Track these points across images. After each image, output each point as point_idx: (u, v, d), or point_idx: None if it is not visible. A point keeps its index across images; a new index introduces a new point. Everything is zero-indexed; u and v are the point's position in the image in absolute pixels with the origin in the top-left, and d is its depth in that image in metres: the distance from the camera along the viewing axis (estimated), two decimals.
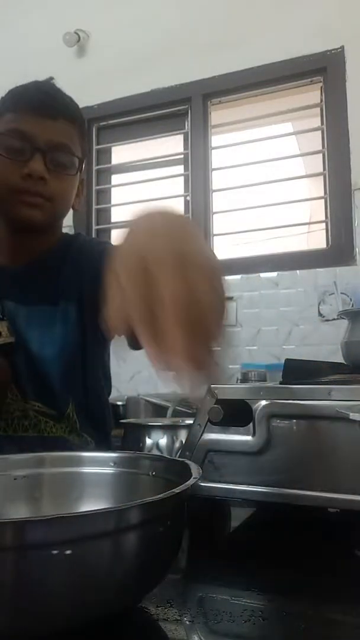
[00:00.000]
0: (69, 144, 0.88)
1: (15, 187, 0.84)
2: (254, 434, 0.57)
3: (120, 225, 2.80)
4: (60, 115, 0.87)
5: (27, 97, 0.87)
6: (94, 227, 2.67)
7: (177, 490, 0.38)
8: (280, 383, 0.60)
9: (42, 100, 0.86)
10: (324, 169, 2.28)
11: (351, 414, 0.48)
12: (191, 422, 0.63)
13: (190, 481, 0.40)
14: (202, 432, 0.60)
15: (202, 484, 0.56)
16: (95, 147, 2.70)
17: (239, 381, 2.01)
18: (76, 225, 2.46)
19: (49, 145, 0.85)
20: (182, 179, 2.56)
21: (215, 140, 2.52)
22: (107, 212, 2.73)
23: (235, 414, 0.58)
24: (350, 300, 2.06)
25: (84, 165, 0.94)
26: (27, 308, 0.89)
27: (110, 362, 1.04)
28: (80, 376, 0.92)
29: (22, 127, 0.84)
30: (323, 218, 2.29)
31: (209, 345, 0.39)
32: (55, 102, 0.88)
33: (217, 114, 2.53)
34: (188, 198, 2.51)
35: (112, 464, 0.54)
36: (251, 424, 0.57)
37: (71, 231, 1.03)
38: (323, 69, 2.28)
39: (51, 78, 0.96)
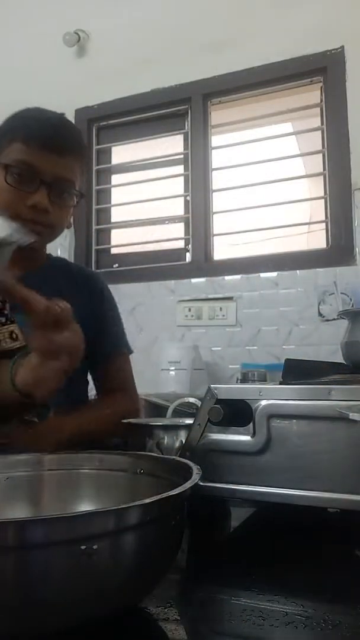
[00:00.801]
0: (73, 179, 0.94)
1: (19, 214, 0.89)
2: (254, 434, 0.57)
3: (120, 225, 2.81)
4: (68, 152, 0.92)
5: (38, 130, 0.91)
6: (94, 227, 2.68)
7: (177, 490, 0.38)
8: (280, 383, 0.60)
9: (52, 137, 0.91)
10: (324, 169, 2.28)
11: (351, 414, 0.48)
12: (191, 422, 0.63)
13: (189, 483, 0.40)
14: (202, 432, 0.60)
15: (202, 484, 0.56)
16: (95, 147, 2.70)
17: (239, 381, 2.01)
18: (76, 225, 2.46)
19: (54, 179, 0.90)
20: (182, 179, 2.56)
21: (215, 140, 2.52)
22: (107, 212, 2.73)
23: (235, 414, 0.58)
24: (350, 300, 2.06)
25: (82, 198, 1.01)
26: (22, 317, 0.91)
27: None
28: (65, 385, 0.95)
29: (31, 160, 0.89)
30: (323, 218, 2.29)
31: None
32: (65, 139, 0.93)
33: (217, 114, 2.53)
34: (188, 198, 2.51)
35: (111, 464, 0.54)
36: (251, 424, 0.57)
37: (71, 231, 1.07)
38: (323, 69, 2.28)
39: (62, 114, 1.01)
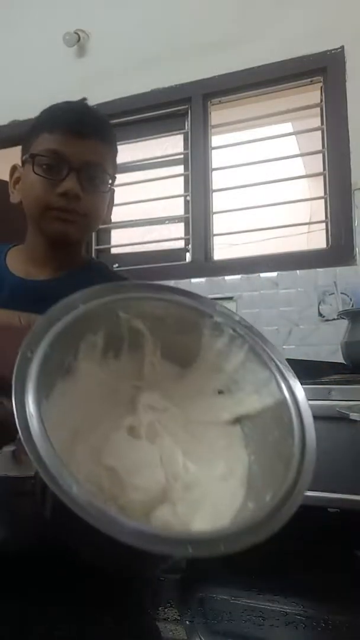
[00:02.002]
0: (102, 162, 0.92)
1: (51, 204, 0.88)
2: None
3: (120, 225, 2.81)
4: (93, 135, 0.90)
5: (62, 118, 0.90)
6: None
7: None
8: None
9: (76, 121, 0.90)
10: (324, 169, 2.28)
11: (351, 414, 0.48)
12: None
13: None
14: None
15: None
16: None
17: None
18: None
19: (82, 164, 0.88)
20: (182, 179, 2.56)
21: (215, 140, 2.52)
22: None
23: None
24: (350, 300, 2.06)
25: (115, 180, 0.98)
26: None
27: None
28: None
29: (57, 147, 0.88)
30: (323, 218, 2.29)
31: None
32: (89, 122, 0.92)
33: (217, 114, 2.53)
34: (188, 198, 2.51)
35: None
36: None
37: None
38: (323, 69, 2.28)
39: (84, 99, 1.00)
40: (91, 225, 0.96)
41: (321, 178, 2.31)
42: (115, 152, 0.97)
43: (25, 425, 0.40)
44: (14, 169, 0.97)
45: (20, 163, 0.96)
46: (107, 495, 0.47)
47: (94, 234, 2.67)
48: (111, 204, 1.02)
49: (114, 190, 1.00)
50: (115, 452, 0.50)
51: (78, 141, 0.89)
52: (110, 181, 0.94)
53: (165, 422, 0.54)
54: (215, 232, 2.47)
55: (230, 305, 2.33)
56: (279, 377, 0.51)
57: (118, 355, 0.55)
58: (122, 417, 0.54)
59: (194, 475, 0.50)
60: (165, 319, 0.56)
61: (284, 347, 2.20)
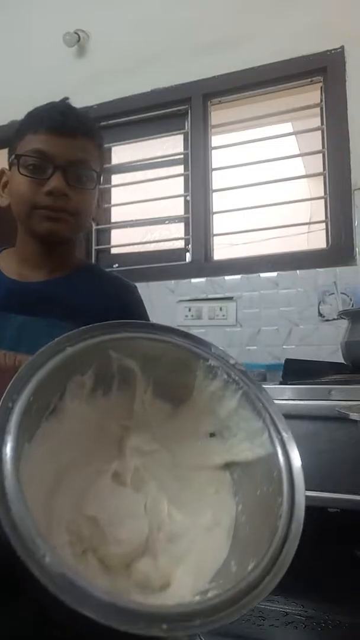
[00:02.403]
0: (88, 159, 0.92)
1: (38, 204, 0.89)
2: None
3: (120, 225, 2.82)
4: (77, 132, 0.91)
5: (45, 118, 0.91)
6: (94, 227, 2.67)
7: None
8: (280, 383, 0.60)
9: (59, 120, 0.90)
10: (324, 169, 2.28)
11: (351, 414, 0.48)
12: None
13: None
14: None
15: None
16: (98, 146, 2.70)
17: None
18: None
19: (68, 162, 0.89)
20: (182, 179, 2.56)
21: (215, 140, 2.52)
22: (107, 212, 2.73)
23: None
24: (350, 300, 2.06)
25: (101, 177, 0.99)
26: (37, 321, 0.90)
27: None
28: None
29: (42, 147, 0.88)
30: (323, 218, 2.28)
31: None
32: (71, 120, 0.92)
33: (217, 114, 2.53)
34: (188, 198, 2.51)
35: None
36: None
37: None
38: (323, 69, 2.27)
39: (66, 98, 1.01)
40: (80, 223, 0.95)
41: (321, 178, 2.31)
42: (100, 149, 0.98)
43: (1, 487, 0.38)
44: (1, 172, 0.98)
45: (7, 166, 0.96)
46: (87, 545, 0.46)
47: (94, 234, 2.67)
48: (101, 202, 1.02)
49: (102, 189, 1.02)
50: (97, 500, 0.48)
51: (62, 140, 0.89)
52: (97, 178, 0.94)
53: (152, 467, 0.52)
54: (215, 232, 2.47)
55: (230, 305, 2.33)
56: (272, 429, 0.49)
57: (107, 392, 0.54)
58: (109, 461, 0.52)
59: (179, 525, 0.48)
60: (158, 358, 0.54)
61: (284, 347, 2.20)
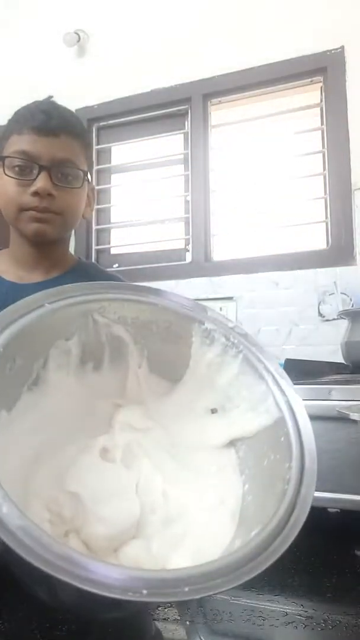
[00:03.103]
0: (73, 159, 0.91)
1: (24, 205, 0.89)
2: None
3: (120, 225, 2.81)
4: (61, 131, 0.90)
5: (29, 118, 0.90)
6: (94, 227, 2.67)
7: None
8: None
9: (43, 120, 0.89)
10: (324, 169, 2.28)
11: (351, 414, 0.48)
12: None
13: None
14: None
15: None
16: (95, 147, 2.70)
17: None
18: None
19: (53, 162, 0.88)
20: (182, 179, 2.56)
21: (215, 140, 2.52)
22: (107, 212, 2.73)
23: None
24: (350, 300, 2.06)
25: (90, 176, 0.97)
26: None
27: None
28: None
29: (26, 148, 0.88)
30: (323, 218, 2.28)
31: None
32: (56, 120, 0.91)
33: (217, 114, 2.53)
34: (188, 198, 2.51)
35: None
36: None
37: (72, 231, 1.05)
38: (323, 69, 2.28)
39: (51, 96, 1.00)
40: (68, 223, 0.95)
41: (321, 178, 2.31)
42: (87, 147, 0.97)
43: None
44: None
45: None
46: (70, 525, 0.40)
47: (94, 234, 2.67)
48: (92, 200, 1.01)
49: (93, 187, 1.00)
50: (81, 477, 0.42)
51: (46, 139, 0.89)
52: (83, 176, 0.94)
53: (146, 444, 0.46)
54: (215, 232, 2.47)
55: (230, 305, 2.33)
56: (276, 391, 0.44)
57: (99, 367, 0.48)
58: (95, 436, 0.46)
59: (175, 507, 0.42)
60: (149, 325, 0.48)
61: (284, 347, 2.20)
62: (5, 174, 0.89)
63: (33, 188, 0.87)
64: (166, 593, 0.31)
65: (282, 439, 0.42)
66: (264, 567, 0.34)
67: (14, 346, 0.41)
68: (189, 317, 0.49)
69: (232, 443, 0.47)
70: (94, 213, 2.66)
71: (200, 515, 0.42)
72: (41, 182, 0.87)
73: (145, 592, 0.30)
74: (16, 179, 0.89)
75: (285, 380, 0.46)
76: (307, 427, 0.43)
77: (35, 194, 0.88)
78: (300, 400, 0.44)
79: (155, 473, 0.45)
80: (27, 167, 0.88)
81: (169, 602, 0.32)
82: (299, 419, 0.43)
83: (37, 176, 0.88)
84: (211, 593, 0.32)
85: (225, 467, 0.46)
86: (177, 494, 0.44)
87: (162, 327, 0.49)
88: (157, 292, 0.51)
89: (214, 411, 0.48)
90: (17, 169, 0.89)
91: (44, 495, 0.39)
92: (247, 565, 0.34)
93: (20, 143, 0.89)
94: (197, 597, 0.32)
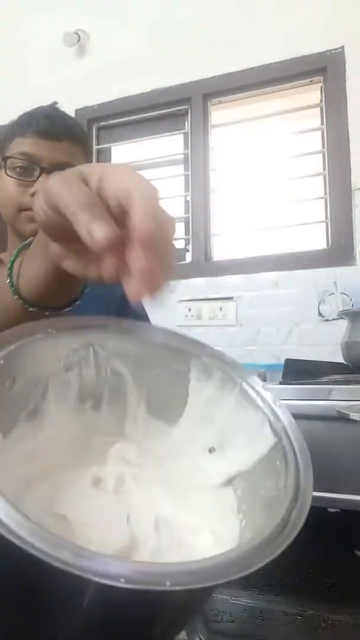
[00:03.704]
0: (73, 163, 0.93)
1: (24, 206, 0.90)
2: None
3: None
4: (64, 136, 0.92)
5: (33, 122, 0.93)
6: None
7: None
8: (280, 383, 0.60)
9: (46, 124, 0.92)
10: (324, 169, 2.28)
11: (351, 414, 0.48)
12: None
13: None
14: None
15: None
16: (95, 147, 2.70)
17: None
18: None
19: (54, 165, 0.90)
20: (182, 179, 2.56)
21: (215, 140, 2.52)
22: None
23: None
24: (350, 300, 2.06)
25: None
26: None
27: None
28: None
29: (28, 150, 0.90)
30: (323, 218, 2.29)
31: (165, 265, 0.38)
32: (59, 125, 0.94)
33: (217, 114, 2.53)
34: (188, 198, 2.51)
35: None
36: None
37: None
38: (323, 69, 2.28)
39: (55, 102, 1.02)
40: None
41: (321, 178, 2.31)
42: (88, 153, 0.99)
43: None
44: None
45: None
46: None
47: None
48: None
49: None
50: (71, 501, 0.42)
51: (49, 143, 0.91)
52: None
53: (140, 479, 0.46)
54: (215, 232, 2.47)
55: (230, 305, 2.33)
56: (272, 418, 0.44)
57: (97, 406, 0.47)
58: (88, 466, 0.45)
59: (167, 540, 0.41)
60: (147, 361, 0.47)
61: (284, 347, 2.20)
62: (7, 174, 0.91)
63: (33, 189, 0.89)
64: (189, 582, 0.29)
65: (278, 462, 0.42)
66: (262, 563, 0.33)
67: (15, 365, 0.41)
68: (187, 353, 0.49)
69: (230, 481, 0.47)
70: None
71: (194, 550, 0.42)
72: (41, 184, 0.89)
73: (168, 583, 0.29)
74: (17, 179, 0.90)
75: (281, 409, 0.46)
76: (304, 449, 0.43)
77: (35, 195, 0.89)
78: (295, 426, 0.45)
79: (148, 506, 0.44)
80: (28, 168, 0.90)
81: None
82: (295, 443, 0.43)
83: (37, 178, 0.89)
84: (200, 586, 0.30)
85: (223, 508, 0.46)
86: (170, 528, 0.43)
87: (158, 363, 0.48)
88: (154, 328, 0.50)
89: (211, 450, 0.48)
90: (18, 169, 0.90)
91: (31, 516, 0.38)
92: (246, 560, 0.33)
93: (23, 145, 0.91)
94: (177, 590, 0.29)
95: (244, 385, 0.47)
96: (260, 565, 0.33)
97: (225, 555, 0.33)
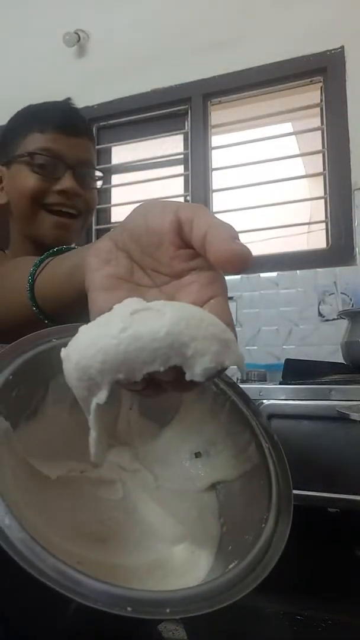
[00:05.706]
0: (92, 159, 0.95)
1: (48, 202, 0.89)
2: None
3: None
4: (82, 133, 0.93)
5: (53, 117, 0.92)
6: (94, 227, 2.67)
7: None
8: (280, 383, 0.60)
9: (67, 120, 0.92)
10: (324, 169, 2.28)
11: (351, 414, 0.48)
12: None
13: None
14: None
15: None
16: (95, 147, 2.70)
17: (239, 381, 2.01)
18: None
19: (77, 162, 0.90)
20: (182, 179, 2.56)
21: (215, 140, 2.52)
22: (107, 212, 2.73)
23: None
24: (350, 300, 2.06)
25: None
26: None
27: None
28: None
29: (52, 146, 0.89)
30: (323, 218, 2.29)
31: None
32: (78, 121, 0.94)
33: (217, 114, 2.53)
34: (188, 198, 2.51)
35: None
36: None
37: None
38: (323, 69, 2.28)
39: (69, 98, 1.02)
40: (88, 221, 0.97)
41: (321, 178, 2.31)
42: (96, 151, 1.02)
43: None
44: None
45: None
46: None
47: (94, 234, 2.67)
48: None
49: (104, 189, 1.06)
50: (60, 500, 0.43)
51: (70, 140, 0.90)
52: (99, 178, 0.97)
53: (131, 484, 0.48)
54: None
55: (230, 305, 2.32)
56: (260, 438, 0.46)
57: None
58: (81, 469, 0.47)
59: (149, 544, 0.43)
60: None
61: (284, 347, 2.20)
62: (33, 170, 0.89)
63: (60, 187, 0.88)
64: (149, 612, 0.32)
65: (262, 481, 0.44)
66: (241, 594, 0.36)
67: (22, 375, 0.43)
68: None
69: (213, 486, 0.48)
70: (94, 213, 2.67)
71: (174, 557, 0.43)
72: (69, 181, 0.88)
73: (129, 609, 0.31)
74: (41, 175, 0.88)
75: (268, 431, 0.47)
76: (285, 473, 0.45)
77: (62, 192, 0.88)
78: (280, 448, 0.46)
79: (136, 512, 0.46)
80: (52, 164, 0.89)
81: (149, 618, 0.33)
82: (278, 465, 0.45)
83: (63, 175, 0.88)
84: (192, 613, 0.33)
85: (205, 512, 0.47)
86: (154, 535, 0.45)
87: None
88: None
89: (197, 455, 0.50)
90: (39, 165, 0.88)
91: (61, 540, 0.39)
92: (230, 591, 0.35)
93: (45, 141, 0.89)
94: (177, 617, 0.33)
95: (236, 400, 0.49)
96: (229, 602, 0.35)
97: (195, 589, 0.35)
